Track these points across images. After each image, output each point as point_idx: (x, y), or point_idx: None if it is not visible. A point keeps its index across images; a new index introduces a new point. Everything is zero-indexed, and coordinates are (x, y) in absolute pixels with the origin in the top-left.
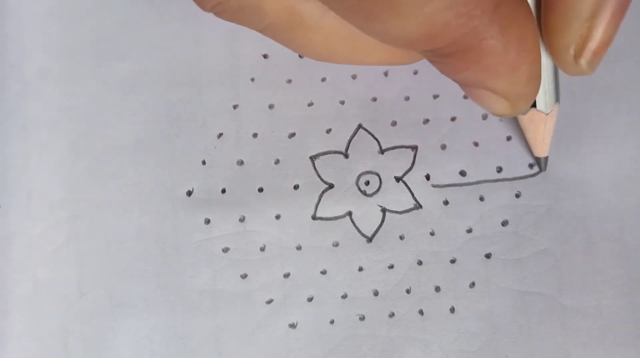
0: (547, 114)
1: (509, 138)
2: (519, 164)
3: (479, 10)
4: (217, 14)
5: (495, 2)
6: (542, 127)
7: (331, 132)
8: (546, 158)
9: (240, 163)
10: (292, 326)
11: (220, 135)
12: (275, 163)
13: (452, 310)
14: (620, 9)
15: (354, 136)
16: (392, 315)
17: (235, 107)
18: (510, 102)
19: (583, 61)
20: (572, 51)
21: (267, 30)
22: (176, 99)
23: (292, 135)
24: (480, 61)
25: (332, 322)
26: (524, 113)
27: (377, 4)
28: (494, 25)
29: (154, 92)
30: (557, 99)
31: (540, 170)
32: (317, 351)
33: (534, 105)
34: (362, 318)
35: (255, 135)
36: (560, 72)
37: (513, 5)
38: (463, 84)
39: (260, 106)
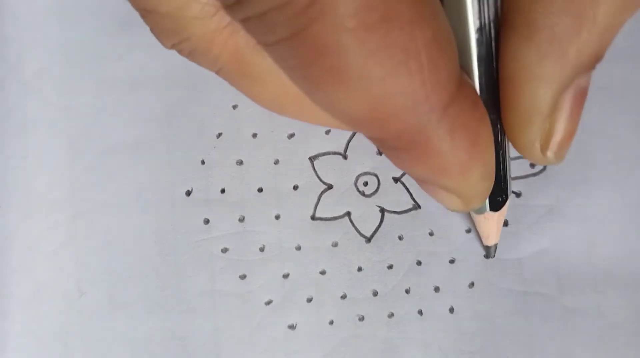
0: (497, 212)
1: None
2: (520, 164)
3: (427, 107)
4: (178, 52)
5: (445, 101)
6: (493, 223)
7: (330, 133)
8: (495, 245)
9: (240, 163)
10: (292, 327)
11: (219, 135)
12: (274, 163)
13: (452, 310)
14: (578, 101)
15: (352, 137)
16: (391, 315)
17: (234, 107)
18: (463, 201)
19: (550, 154)
20: (537, 146)
21: (220, 73)
22: (175, 99)
23: (292, 136)
24: (428, 159)
25: (331, 322)
26: (479, 213)
27: (325, 72)
28: (442, 125)
29: (153, 92)
30: (507, 196)
31: (489, 257)
32: (316, 352)
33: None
34: (362, 318)
35: (254, 135)
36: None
37: (465, 107)
38: (415, 179)
39: (260, 107)
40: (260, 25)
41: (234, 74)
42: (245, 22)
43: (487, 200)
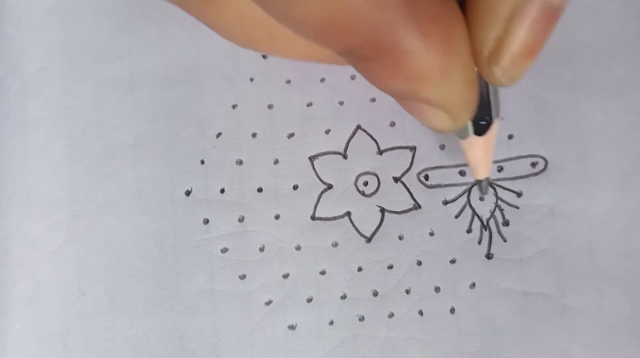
0: (483, 136)
1: (510, 137)
2: (521, 163)
3: (391, 1)
4: None
5: None
6: (479, 150)
7: (330, 133)
8: (487, 179)
9: (240, 162)
10: (292, 327)
11: (219, 135)
12: (274, 163)
13: (452, 310)
14: (544, 18)
15: (352, 137)
16: (391, 315)
17: (234, 107)
18: (449, 115)
19: (496, 68)
20: (485, 53)
21: (181, 2)
22: (175, 98)
23: (291, 135)
24: (404, 65)
25: (331, 322)
26: (463, 137)
27: None
28: (411, 21)
29: (153, 91)
30: (496, 115)
31: (482, 193)
32: (316, 352)
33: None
34: (362, 318)
35: (254, 135)
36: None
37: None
38: (396, 97)
39: (260, 106)
40: None
41: (195, 1)
42: None
43: (470, 123)
